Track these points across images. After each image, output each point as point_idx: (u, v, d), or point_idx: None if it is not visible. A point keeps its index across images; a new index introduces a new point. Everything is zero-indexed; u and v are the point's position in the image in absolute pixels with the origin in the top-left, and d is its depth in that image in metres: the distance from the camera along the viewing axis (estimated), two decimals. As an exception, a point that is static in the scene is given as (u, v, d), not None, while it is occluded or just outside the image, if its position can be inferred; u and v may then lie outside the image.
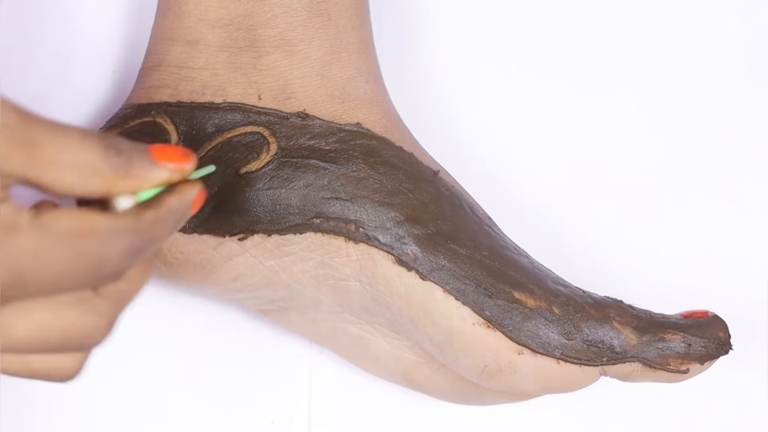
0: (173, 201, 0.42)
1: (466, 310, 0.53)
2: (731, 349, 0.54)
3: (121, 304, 0.42)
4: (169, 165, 0.42)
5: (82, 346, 0.42)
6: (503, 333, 0.53)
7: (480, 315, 0.53)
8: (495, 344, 0.53)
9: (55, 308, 0.41)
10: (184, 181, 0.42)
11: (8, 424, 0.59)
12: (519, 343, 0.53)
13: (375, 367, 0.58)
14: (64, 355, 0.43)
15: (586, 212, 0.61)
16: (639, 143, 0.62)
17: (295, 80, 0.54)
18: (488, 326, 0.53)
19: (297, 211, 0.53)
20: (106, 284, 0.41)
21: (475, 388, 0.56)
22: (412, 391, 0.59)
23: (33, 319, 0.40)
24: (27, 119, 0.39)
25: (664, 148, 0.62)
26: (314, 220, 0.53)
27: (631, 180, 0.62)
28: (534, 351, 0.53)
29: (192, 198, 0.43)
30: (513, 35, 0.62)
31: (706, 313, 0.54)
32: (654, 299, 0.57)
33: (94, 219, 0.40)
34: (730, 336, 0.54)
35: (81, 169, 0.40)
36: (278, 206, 0.53)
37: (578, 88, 0.62)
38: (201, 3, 0.53)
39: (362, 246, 0.53)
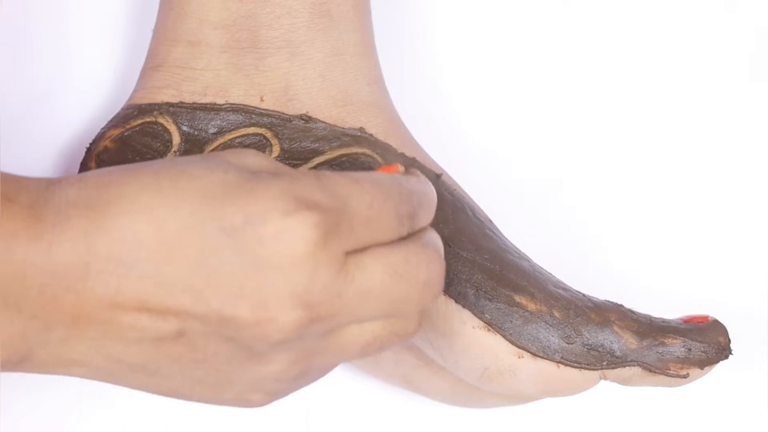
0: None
1: (467, 314, 0.53)
2: (731, 354, 0.54)
3: (436, 244, 0.46)
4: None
5: (429, 281, 0.45)
6: (503, 336, 0.53)
7: (480, 318, 0.53)
8: (495, 347, 0.53)
9: (387, 247, 0.45)
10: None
11: (8, 424, 0.59)
12: (519, 347, 0.53)
13: (375, 369, 0.58)
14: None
15: (587, 216, 0.61)
16: (640, 148, 0.62)
17: (297, 82, 0.54)
18: (488, 329, 0.53)
19: (298, 214, 0.53)
20: (412, 229, 0.46)
21: (474, 390, 0.56)
22: (411, 393, 0.59)
23: (377, 257, 0.44)
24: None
25: (665, 154, 0.62)
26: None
27: (633, 184, 0.62)
28: (534, 354, 0.53)
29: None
30: (515, 38, 0.62)
31: (706, 317, 0.54)
32: (654, 303, 0.57)
33: (396, 174, 0.46)
34: (730, 341, 0.54)
35: None
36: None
37: (580, 92, 0.62)
38: (203, 4, 0.53)
39: (363, 249, 0.53)
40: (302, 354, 0.44)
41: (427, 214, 0.47)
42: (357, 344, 0.45)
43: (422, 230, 0.47)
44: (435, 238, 0.47)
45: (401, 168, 0.48)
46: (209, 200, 0.42)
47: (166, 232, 0.42)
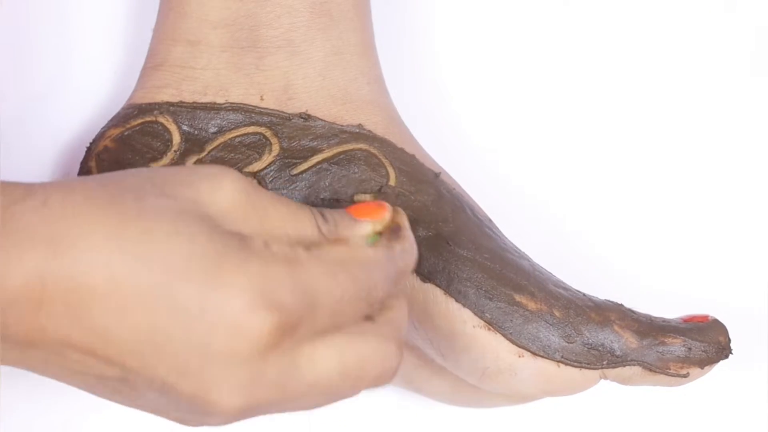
0: (407, 233, 0.47)
1: (467, 313, 0.53)
2: (731, 353, 0.54)
3: (398, 330, 0.45)
4: (368, 219, 0.47)
5: (380, 375, 0.45)
6: (504, 335, 0.53)
7: (480, 317, 0.53)
8: (495, 347, 0.53)
9: (346, 338, 0.44)
10: (394, 216, 0.47)
11: (8, 424, 0.59)
12: (519, 346, 0.53)
13: (375, 369, 0.58)
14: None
15: (587, 216, 0.62)
16: (640, 148, 0.62)
17: (297, 81, 0.54)
18: (489, 329, 0.53)
19: (298, 212, 0.53)
20: (377, 310, 0.45)
21: (474, 390, 0.56)
22: (411, 393, 0.59)
23: (331, 351, 0.44)
24: (256, 189, 0.45)
25: (665, 154, 0.62)
26: (315, 221, 0.53)
27: (633, 183, 0.62)
28: (534, 354, 0.53)
29: (407, 224, 0.47)
30: (515, 38, 0.62)
31: (706, 317, 0.54)
32: (654, 303, 0.57)
33: (359, 249, 0.45)
34: (730, 340, 0.54)
35: (297, 234, 0.45)
36: (279, 207, 0.53)
37: (580, 91, 0.62)
38: (203, 3, 0.53)
39: (362, 248, 0.53)
40: (236, 421, 0.45)
41: (404, 280, 0.47)
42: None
43: (393, 304, 0.46)
44: (401, 317, 0.46)
45: (389, 208, 0.47)
46: (169, 273, 0.42)
47: (120, 292, 0.42)
